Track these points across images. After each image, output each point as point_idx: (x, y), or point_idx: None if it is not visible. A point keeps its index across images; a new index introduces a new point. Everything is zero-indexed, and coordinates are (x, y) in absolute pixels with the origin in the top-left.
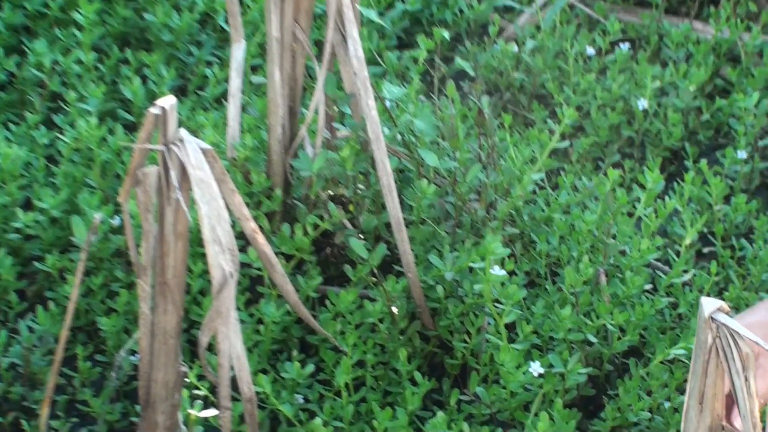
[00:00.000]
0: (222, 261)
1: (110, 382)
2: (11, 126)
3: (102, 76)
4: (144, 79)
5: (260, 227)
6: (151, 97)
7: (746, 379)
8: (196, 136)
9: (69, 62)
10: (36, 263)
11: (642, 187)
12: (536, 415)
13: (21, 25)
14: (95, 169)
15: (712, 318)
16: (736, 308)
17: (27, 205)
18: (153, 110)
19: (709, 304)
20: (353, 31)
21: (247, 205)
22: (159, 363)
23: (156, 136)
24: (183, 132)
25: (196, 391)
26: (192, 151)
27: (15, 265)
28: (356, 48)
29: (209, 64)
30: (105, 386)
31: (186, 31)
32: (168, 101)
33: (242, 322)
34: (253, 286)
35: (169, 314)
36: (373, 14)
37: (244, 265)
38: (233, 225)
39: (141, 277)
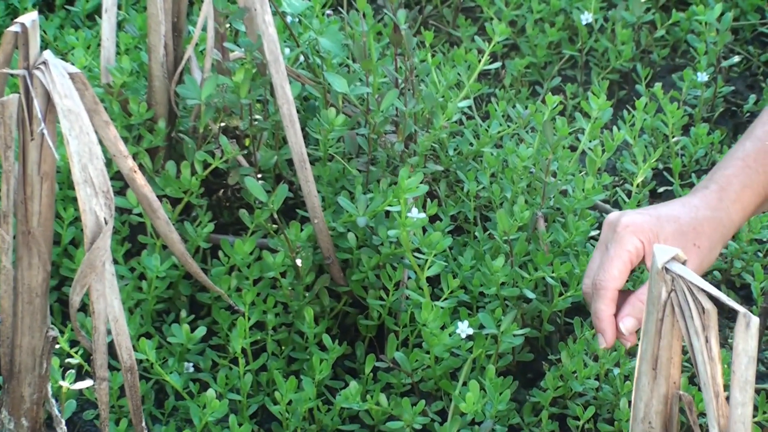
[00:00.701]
0: (95, 206)
1: None
2: None
3: None
4: None
5: (140, 165)
6: (12, 14)
7: (707, 340)
8: (65, 59)
9: None
10: None
11: (586, 115)
12: (465, 384)
13: None
14: None
15: (666, 269)
16: None
17: None
18: (12, 29)
19: (663, 253)
20: None
21: (125, 139)
22: (24, 326)
23: (16, 59)
24: (48, 54)
25: (68, 360)
26: (58, 76)
27: None
28: None
29: None
30: None
31: None
32: (29, 18)
33: (121, 277)
34: (133, 235)
35: (34, 269)
36: None
37: (122, 211)
38: (108, 163)
39: (1, 225)
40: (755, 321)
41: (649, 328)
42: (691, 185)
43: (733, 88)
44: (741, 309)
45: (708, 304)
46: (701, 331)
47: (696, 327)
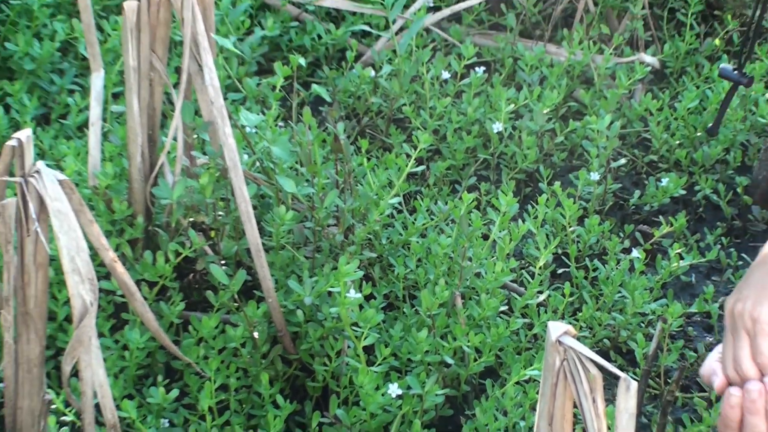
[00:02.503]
0: (82, 291)
1: None
2: None
3: None
4: (7, 108)
5: (123, 255)
6: (14, 126)
7: (594, 401)
8: (59, 165)
9: None
10: None
11: (497, 210)
12: None
13: None
14: None
15: (559, 341)
16: (590, 328)
17: None
18: (9, 143)
19: (556, 328)
20: (208, 59)
21: (110, 232)
22: (24, 391)
23: (14, 168)
24: (40, 164)
25: (64, 418)
26: (49, 182)
27: None
28: (212, 77)
29: (71, 92)
30: None
31: (47, 59)
32: (24, 133)
33: (107, 348)
34: (118, 313)
35: (32, 343)
36: (228, 43)
37: (108, 292)
38: (93, 254)
39: (3, 307)
40: (634, 385)
41: (546, 391)
42: (585, 268)
43: (620, 185)
44: (622, 375)
45: (594, 371)
46: (589, 393)
47: (585, 390)
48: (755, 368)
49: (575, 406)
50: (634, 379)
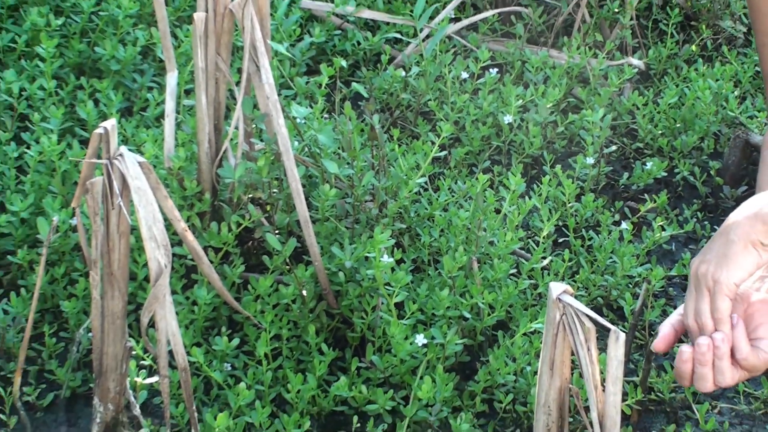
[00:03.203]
0: (158, 255)
1: (72, 354)
2: None
3: (61, 100)
4: (96, 102)
5: (192, 225)
6: (103, 118)
7: (588, 349)
8: (139, 150)
9: (34, 88)
10: (9, 257)
11: (507, 188)
12: (421, 378)
13: None
14: (56, 178)
15: (559, 299)
16: (586, 288)
17: (1, 208)
18: (97, 131)
19: (557, 288)
20: (265, 62)
21: (182, 207)
22: (109, 339)
23: (101, 152)
24: (123, 148)
25: (142, 362)
26: (131, 164)
27: None
28: (267, 76)
29: (150, 89)
30: (68, 358)
31: (130, 61)
32: (110, 123)
33: (179, 303)
34: (188, 274)
35: (116, 299)
36: (281, 48)
37: (180, 257)
38: (167, 225)
39: (92, 269)
40: (622, 336)
41: (548, 341)
42: (582, 238)
43: (612, 168)
44: (612, 327)
45: (589, 324)
46: (584, 343)
47: (581, 340)
48: (712, 322)
49: (573, 354)
50: (623, 331)
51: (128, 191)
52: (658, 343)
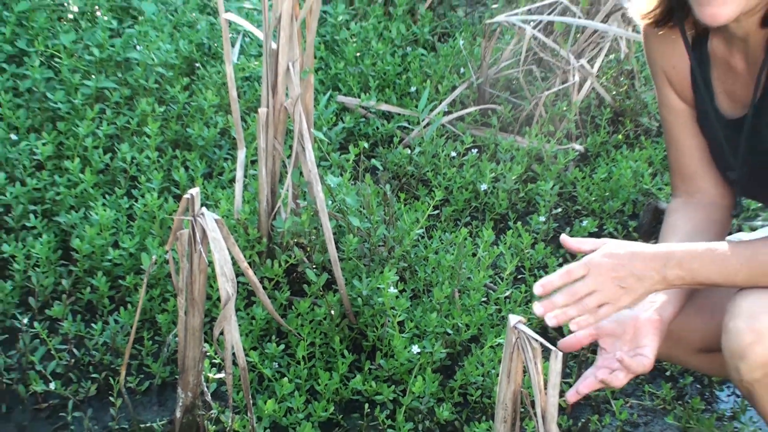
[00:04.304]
0: (227, 286)
1: (163, 354)
2: (107, 196)
3: (162, 166)
4: (186, 168)
5: (253, 261)
6: (191, 180)
7: (535, 363)
8: (216, 205)
9: (141, 157)
10: (120, 281)
11: (481, 238)
12: (415, 377)
13: (112, 135)
14: (156, 225)
15: (515, 327)
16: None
17: (115, 245)
18: (186, 196)
19: (513, 318)
20: (308, 144)
21: (245, 247)
22: (190, 345)
23: (188, 211)
24: (204, 209)
25: (213, 361)
26: (209, 220)
27: (108, 282)
28: (310, 155)
29: (226, 159)
30: (160, 356)
31: (212, 139)
32: (195, 190)
33: (242, 318)
34: (249, 296)
35: (195, 317)
36: (320, 134)
37: (244, 284)
38: (234, 264)
39: (179, 294)
40: (560, 354)
41: (506, 356)
42: (535, 275)
43: (557, 224)
44: (553, 348)
45: (536, 345)
46: (533, 358)
47: (530, 356)
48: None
49: (524, 366)
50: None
51: (207, 240)
52: (565, 345)
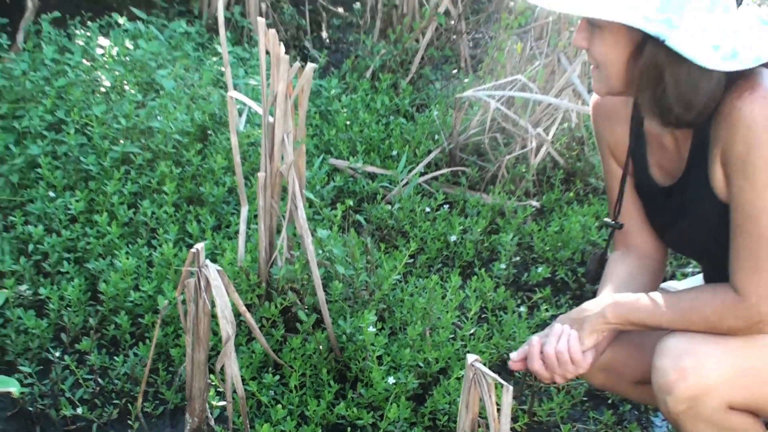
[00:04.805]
0: (227, 328)
1: (175, 383)
2: (130, 245)
3: (177, 220)
4: (198, 221)
5: (252, 303)
6: (202, 232)
7: (490, 396)
8: (222, 254)
9: (160, 212)
10: (140, 319)
11: (449, 283)
12: (391, 404)
13: (135, 192)
14: (171, 271)
15: (472, 364)
16: (497, 347)
17: (136, 288)
18: (192, 250)
19: (471, 357)
20: (300, 204)
21: (246, 291)
22: (196, 377)
23: (194, 262)
24: (207, 261)
25: (219, 390)
26: (212, 271)
27: (129, 320)
28: (302, 213)
29: (233, 214)
30: (173, 385)
31: (221, 197)
32: (200, 245)
33: (243, 352)
34: (250, 333)
35: (200, 353)
36: (311, 195)
37: (242, 324)
38: (234, 307)
39: (187, 333)
40: (511, 389)
41: (465, 389)
42: (496, 315)
43: (516, 270)
44: (505, 384)
45: (491, 380)
46: (488, 392)
47: (485, 390)
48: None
49: (481, 398)
50: (513, 384)
51: (210, 287)
52: (514, 363)
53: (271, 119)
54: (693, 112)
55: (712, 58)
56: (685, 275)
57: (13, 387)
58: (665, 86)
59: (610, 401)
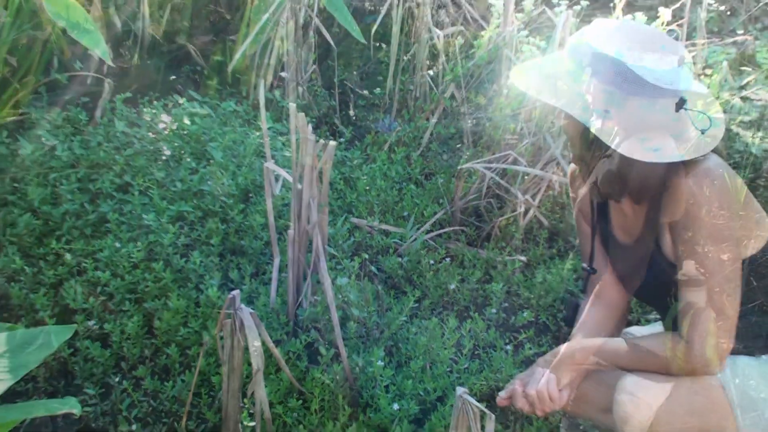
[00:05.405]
0: (257, 360)
1: (215, 405)
2: (181, 289)
3: (222, 268)
4: (239, 269)
5: (281, 339)
6: (242, 278)
7: (476, 423)
8: (258, 297)
9: (208, 261)
10: (187, 351)
11: (447, 325)
12: (396, 426)
13: (187, 244)
14: (215, 311)
15: (461, 396)
16: (486, 380)
17: (185, 325)
18: (229, 296)
19: (460, 389)
20: (322, 257)
21: (276, 329)
22: (230, 401)
23: (231, 306)
24: (242, 305)
25: (250, 412)
26: (246, 314)
27: (178, 351)
28: (323, 264)
29: (267, 264)
30: (213, 407)
31: (259, 249)
32: (236, 292)
33: (272, 381)
34: (277, 365)
35: (234, 381)
36: (331, 249)
37: (269, 356)
38: (263, 344)
39: (224, 365)
40: (493, 417)
41: (455, 416)
42: (488, 353)
43: (505, 314)
44: (488, 412)
45: (476, 410)
46: (474, 420)
47: (472, 418)
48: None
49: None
50: (500, 411)
51: (243, 327)
52: (501, 401)
53: (299, 186)
54: (626, 189)
55: (637, 150)
56: (648, 321)
57: (74, 408)
58: (606, 165)
59: (582, 428)
